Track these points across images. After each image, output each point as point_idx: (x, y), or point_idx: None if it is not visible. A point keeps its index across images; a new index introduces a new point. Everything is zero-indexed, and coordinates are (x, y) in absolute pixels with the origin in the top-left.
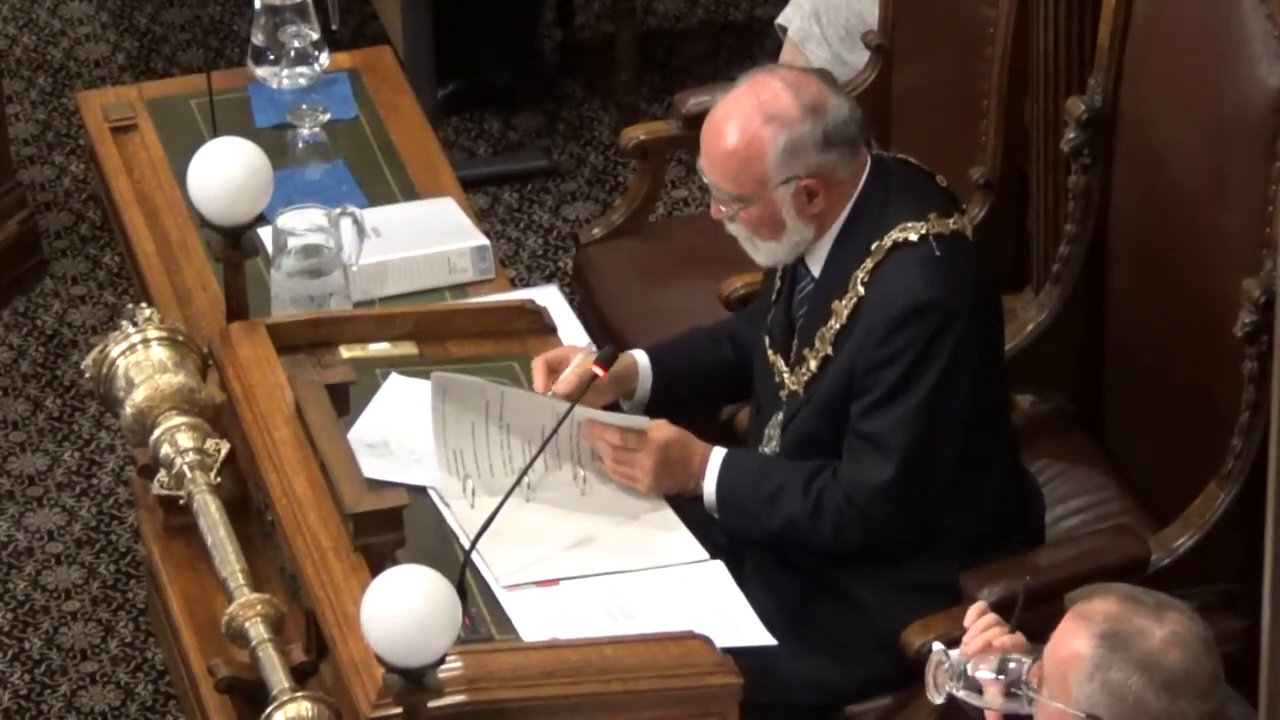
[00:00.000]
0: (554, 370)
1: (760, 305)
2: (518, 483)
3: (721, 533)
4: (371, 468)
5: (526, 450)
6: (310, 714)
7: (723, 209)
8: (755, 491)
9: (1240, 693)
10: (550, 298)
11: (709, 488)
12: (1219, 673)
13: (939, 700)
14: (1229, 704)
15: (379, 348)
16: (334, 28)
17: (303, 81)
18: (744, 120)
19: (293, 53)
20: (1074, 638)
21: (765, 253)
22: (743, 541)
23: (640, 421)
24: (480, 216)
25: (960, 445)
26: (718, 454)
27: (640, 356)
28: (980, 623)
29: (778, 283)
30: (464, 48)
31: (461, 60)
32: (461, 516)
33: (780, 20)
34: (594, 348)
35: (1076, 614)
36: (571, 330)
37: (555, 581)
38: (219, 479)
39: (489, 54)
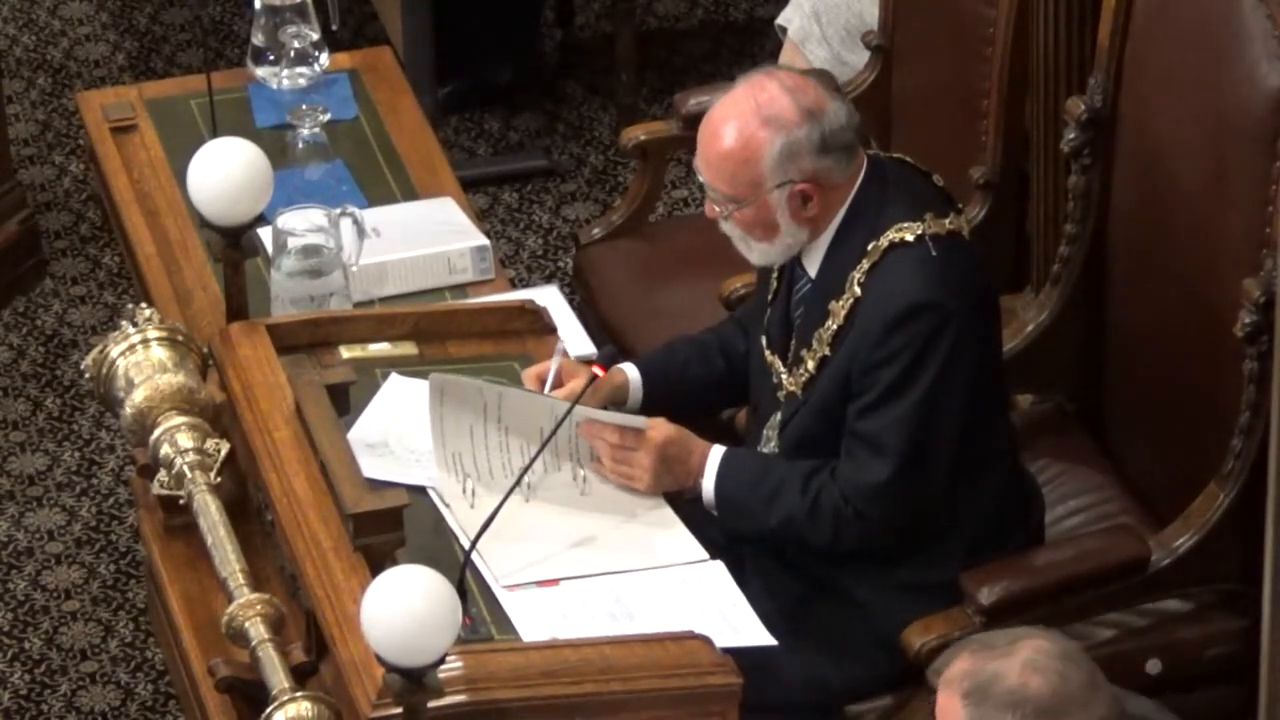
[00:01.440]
0: (544, 383)
1: (754, 307)
2: (517, 483)
3: (721, 532)
4: (371, 468)
5: (526, 451)
6: (310, 714)
7: (717, 209)
8: (754, 490)
9: (1240, 691)
10: (550, 298)
11: (707, 486)
12: (1095, 678)
13: None
14: (1127, 701)
15: (379, 348)
16: (334, 28)
17: (303, 81)
18: (741, 122)
19: (293, 53)
20: (948, 709)
21: (758, 253)
22: (741, 540)
23: (638, 420)
24: (480, 216)
25: (958, 445)
26: (716, 452)
27: (631, 371)
28: None
29: (774, 283)
30: (464, 48)
31: (461, 60)
32: (461, 516)
33: (780, 20)
34: (566, 351)
35: (942, 685)
36: (571, 330)
37: (555, 581)
38: (219, 479)
39: (489, 54)
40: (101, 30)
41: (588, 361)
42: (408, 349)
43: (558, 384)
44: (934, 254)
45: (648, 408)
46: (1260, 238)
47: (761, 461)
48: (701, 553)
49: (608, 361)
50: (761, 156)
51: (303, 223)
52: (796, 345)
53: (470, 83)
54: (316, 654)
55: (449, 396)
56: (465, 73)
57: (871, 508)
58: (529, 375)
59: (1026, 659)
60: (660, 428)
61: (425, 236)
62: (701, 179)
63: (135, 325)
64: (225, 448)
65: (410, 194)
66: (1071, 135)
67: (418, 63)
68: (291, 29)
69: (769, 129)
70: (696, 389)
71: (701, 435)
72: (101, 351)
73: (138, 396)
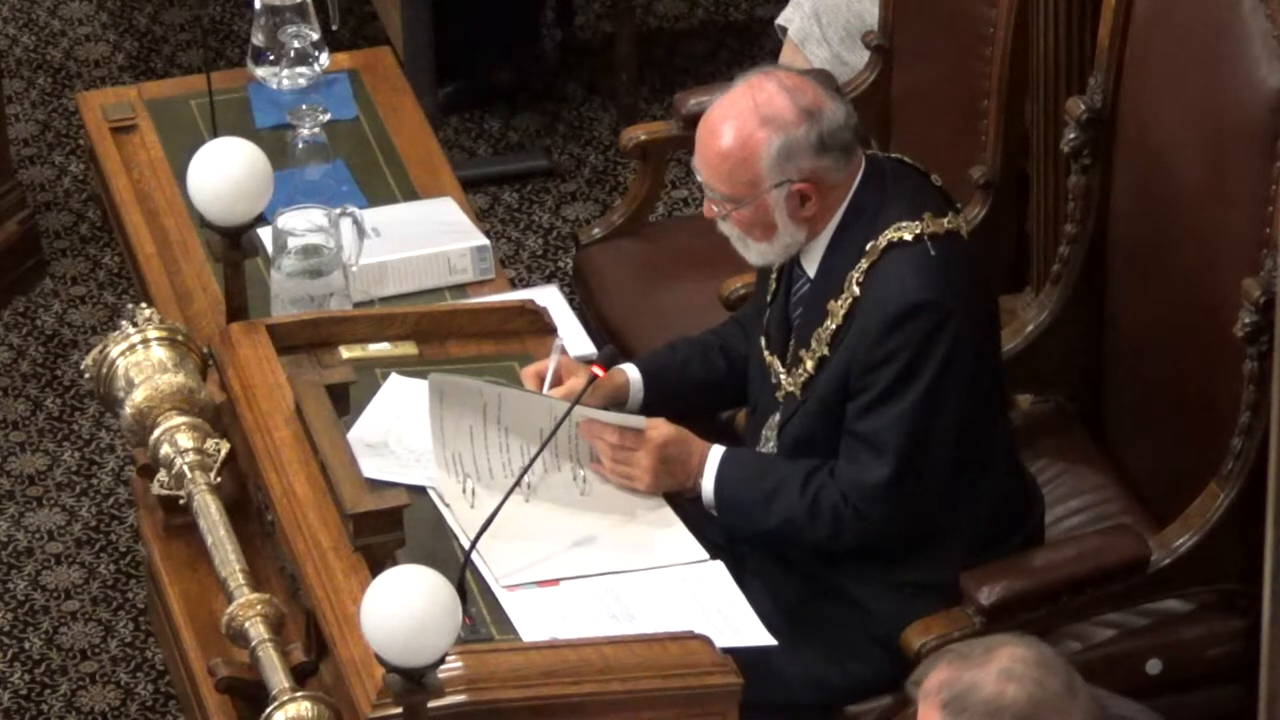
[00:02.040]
0: (543, 380)
1: (753, 307)
2: (517, 482)
3: (721, 532)
4: (371, 468)
5: (526, 451)
6: (310, 714)
7: (715, 208)
8: (753, 490)
9: (1240, 691)
10: (550, 298)
11: (707, 486)
12: (1073, 684)
13: None
14: (1110, 703)
15: (379, 348)
16: (334, 28)
17: (303, 81)
18: (739, 122)
19: (293, 53)
20: None
21: (756, 253)
22: (741, 540)
23: (638, 420)
24: (480, 216)
25: (957, 445)
26: (716, 452)
27: (632, 372)
28: None
29: (773, 284)
30: (464, 48)
31: (461, 60)
32: (461, 516)
33: (780, 20)
34: (564, 348)
35: (921, 696)
36: (571, 330)
37: (555, 581)
38: (219, 479)
39: (489, 54)
40: (101, 30)
41: (588, 362)
42: (408, 349)
43: (556, 382)
44: (932, 253)
45: (648, 408)
46: (1260, 238)
47: (761, 461)
48: (701, 553)
49: (608, 362)
50: (759, 156)
51: (303, 223)
52: (795, 345)
53: (470, 83)
54: (316, 654)
55: (449, 397)
56: (465, 73)
57: (871, 507)
58: (528, 373)
59: (1002, 668)
60: (660, 428)
61: (425, 236)
62: (700, 179)
63: (135, 325)
64: (225, 448)
65: (410, 194)
66: (1071, 135)
67: (418, 63)
68: (291, 29)
69: (767, 128)
70: (697, 389)
71: (701, 435)
72: (101, 351)
73: (138, 396)
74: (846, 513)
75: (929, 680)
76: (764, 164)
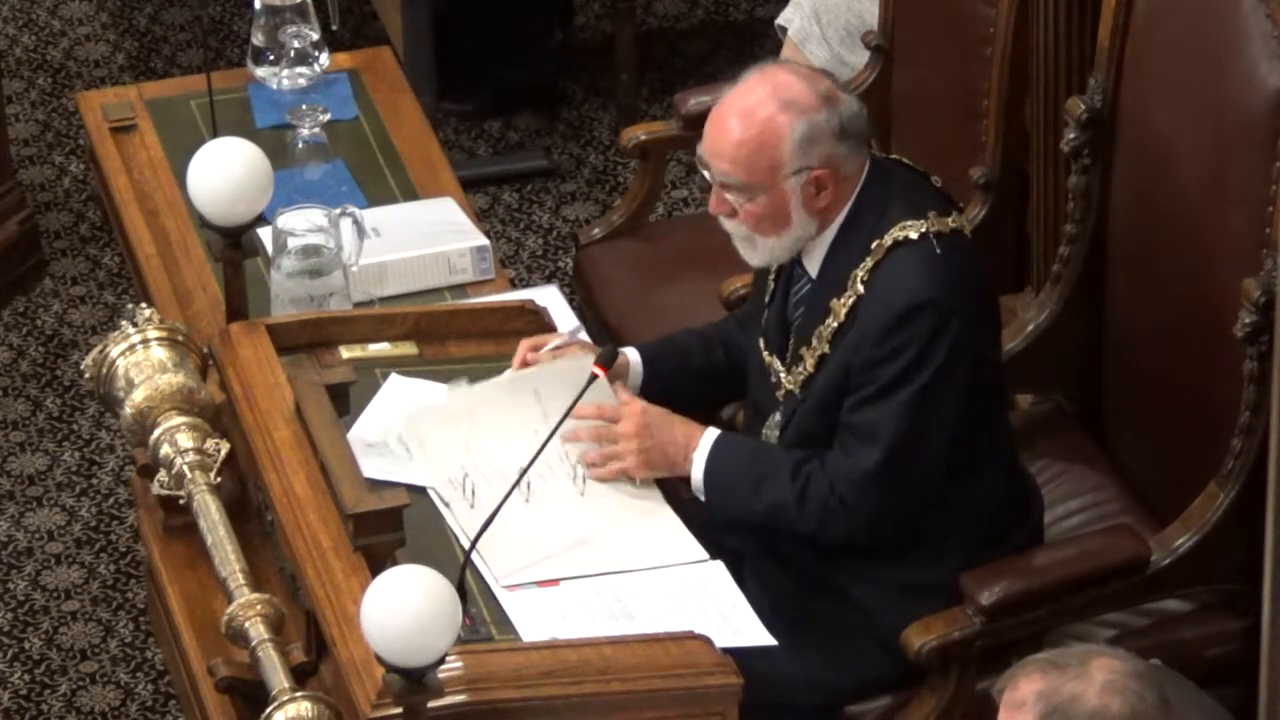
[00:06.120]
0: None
1: (752, 310)
2: (517, 483)
3: (718, 528)
4: (371, 468)
5: (521, 443)
6: (310, 714)
7: (729, 198)
8: (743, 474)
9: (1240, 691)
10: (550, 298)
11: (697, 467)
12: (1165, 697)
13: None
14: (1190, 715)
15: (379, 348)
16: (334, 28)
17: (303, 81)
18: (758, 107)
19: (293, 53)
20: None
21: (763, 250)
22: (731, 526)
23: (612, 400)
24: (480, 216)
25: (954, 443)
26: (710, 433)
27: (632, 354)
28: None
29: (770, 284)
30: (464, 48)
31: (461, 61)
32: (461, 516)
33: (780, 20)
34: (571, 334)
35: (1009, 705)
36: (571, 330)
37: (555, 582)
38: (219, 479)
39: (489, 55)
40: (101, 30)
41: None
42: (408, 349)
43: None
44: (938, 251)
45: (648, 393)
46: (1260, 238)
47: (755, 447)
48: (701, 553)
49: (608, 362)
50: (782, 139)
51: (303, 223)
52: (795, 344)
53: (470, 83)
54: (316, 654)
55: (428, 433)
56: (465, 73)
57: (859, 498)
58: (524, 344)
59: (1105, 680)
60: (638, 400)
61: (425, 236)
62: (713, 171)
63: (135, 325)
64: (225, 448)
65: (410, 194)
66: (1071, 135)
67: (418, 63)
68: (291, 29)
69: (788, 113)
70: (696, 378)
71: None
72: (101, 351)
73: (138, 396)
74: (833, 501)
75: (1018, 689)
76: (787, 147)
